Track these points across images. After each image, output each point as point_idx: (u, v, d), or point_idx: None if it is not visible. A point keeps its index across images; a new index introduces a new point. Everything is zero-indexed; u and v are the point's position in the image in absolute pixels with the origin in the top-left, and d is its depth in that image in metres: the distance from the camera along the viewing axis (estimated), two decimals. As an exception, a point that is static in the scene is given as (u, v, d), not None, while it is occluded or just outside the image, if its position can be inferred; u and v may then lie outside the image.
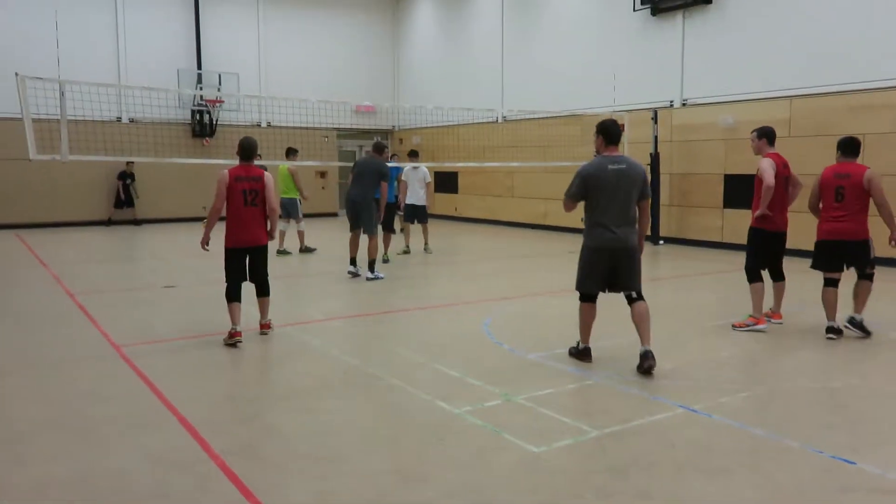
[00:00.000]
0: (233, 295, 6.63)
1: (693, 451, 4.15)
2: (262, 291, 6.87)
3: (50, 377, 5.65)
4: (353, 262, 10.51)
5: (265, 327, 6.92)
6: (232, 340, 6.48)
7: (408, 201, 12.97)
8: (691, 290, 9.73)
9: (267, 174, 6.74)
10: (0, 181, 17.26)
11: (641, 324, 5.66)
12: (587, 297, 5.89)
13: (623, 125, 14.62)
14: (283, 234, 13.08)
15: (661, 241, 14.68)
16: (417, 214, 13.14)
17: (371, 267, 10.30)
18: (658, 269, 12.28)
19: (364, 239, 10.40)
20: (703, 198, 14.29)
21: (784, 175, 6.99)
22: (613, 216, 5.62)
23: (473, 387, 5.35)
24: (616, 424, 4.57)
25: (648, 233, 14.22)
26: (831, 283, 6.80)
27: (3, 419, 4.75)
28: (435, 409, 4.87)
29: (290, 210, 12.94)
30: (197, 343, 6.73)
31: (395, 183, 12.91)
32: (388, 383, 5.47)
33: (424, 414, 4.81)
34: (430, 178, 13.20)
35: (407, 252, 13.08)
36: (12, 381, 5.59)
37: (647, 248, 14.13)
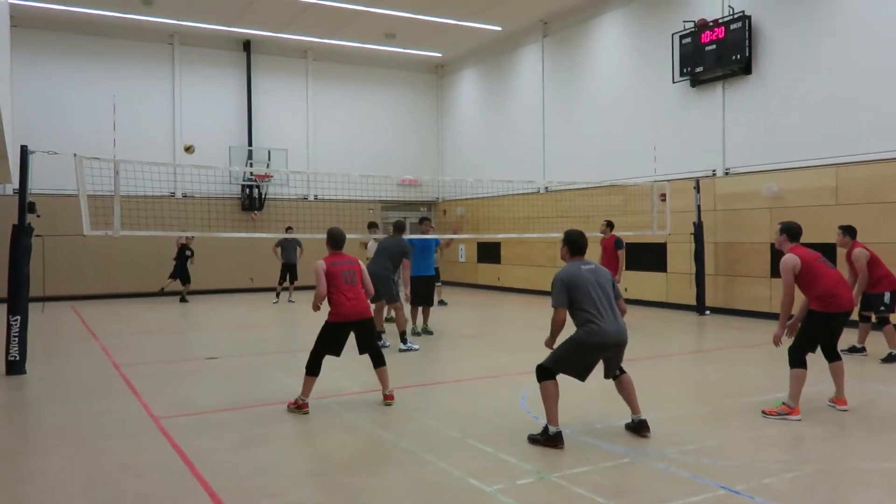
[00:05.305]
0: (315, 369, 6.79)
1: (733, 536, 3.96)
2: (380, 361, 7.08)
3: (88, 450, 5.73)
4: (378, 335, 9.97)
5: (389, 398, 7.05)
6: (301, 411, 6.70)
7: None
8: (737, 363, 9.40)
9: (359, 260, 7.19)
10: (59, 255, 17.93)
11: (630, 394, 5.92)
12: (552, 374, 5.68)
13: (664, 195, 14.77)
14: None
15: (708, 312, 14.36)
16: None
17: (402, 338, 10.23)
18: (703, 340, 11.98)
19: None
20: (750, 267, 14.00)
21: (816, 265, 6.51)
22: (606, 309, 5.62)
23: (507, 463, 5.24)
24: (652, 506, 4.40)
25: (691, 303, 14.21)
26: None
27: (40, 491, 4.82)
28: (466, 488, 4.76)
29: None
30: (234, 416, 6.76)
31: (437, 254, 12.93)
32: (420, 458, 5.40)
33: (455, 492, 4.70)
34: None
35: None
36: (53, 454, 5.68)
37: (693, 318, 13.95)
